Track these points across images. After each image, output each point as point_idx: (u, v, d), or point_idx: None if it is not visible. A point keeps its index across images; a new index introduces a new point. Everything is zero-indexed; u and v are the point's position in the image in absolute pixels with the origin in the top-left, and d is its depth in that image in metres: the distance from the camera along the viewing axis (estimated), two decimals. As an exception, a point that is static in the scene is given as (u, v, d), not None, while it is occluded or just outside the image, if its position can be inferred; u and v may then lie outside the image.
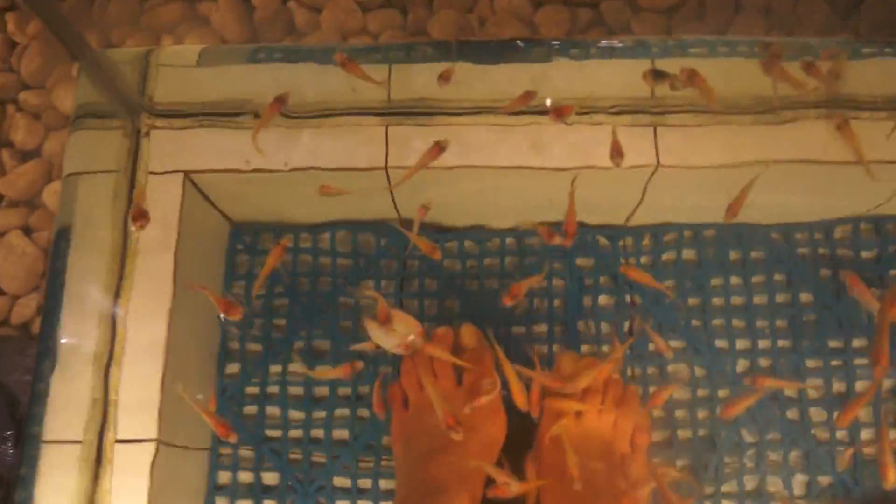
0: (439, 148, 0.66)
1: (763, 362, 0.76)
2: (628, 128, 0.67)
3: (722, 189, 0.67)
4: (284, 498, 0.74)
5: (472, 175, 0.69)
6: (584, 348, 0.77)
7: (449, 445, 0.64)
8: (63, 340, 0.65)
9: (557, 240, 0.69)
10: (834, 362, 0.76)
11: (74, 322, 0.65)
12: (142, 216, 0.65)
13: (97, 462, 0.62)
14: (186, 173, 0.70)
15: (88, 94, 0.72)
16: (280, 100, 0.67)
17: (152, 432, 0.63)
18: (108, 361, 0.64)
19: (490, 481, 0.63)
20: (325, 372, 0.75)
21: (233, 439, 0.68)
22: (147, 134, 0.70)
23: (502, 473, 0.61)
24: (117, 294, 0.66)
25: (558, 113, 0.66)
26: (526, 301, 0.78)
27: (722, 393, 0.75)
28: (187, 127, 0.70)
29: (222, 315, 0.69)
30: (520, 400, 0.67)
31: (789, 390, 0.75)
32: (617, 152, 0.66)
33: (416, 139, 0.68)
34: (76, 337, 0.65)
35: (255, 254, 0.81)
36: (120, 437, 0.63)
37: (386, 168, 0.68)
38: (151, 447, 0.62)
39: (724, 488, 0.73)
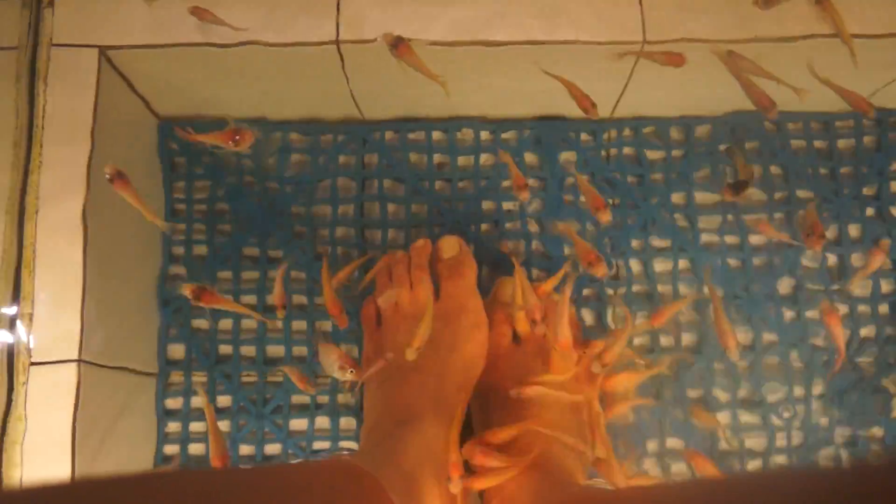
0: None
1: (756, 261, 0.70)
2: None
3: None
4: (237, 419, 0.67)
5: (447, 54, 0.59)
6: (566, 249, 0.70)
7: (425, 366, 0.57)
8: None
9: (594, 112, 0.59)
10: (830, 262, 0.71)
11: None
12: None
13: (9, 388, 0.53)
14: (102, 49, 0.59)
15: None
16: (237, 136, 0.54)
17: (73, 352, 0.54)
18: (16, 269, 0.55)
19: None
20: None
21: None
22: (51, 3, 0.58)
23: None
24: (23, 192, 0.56)
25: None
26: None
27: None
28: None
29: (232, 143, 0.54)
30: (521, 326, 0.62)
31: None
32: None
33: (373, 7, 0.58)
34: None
35: (191, 154, 0.71)
36: (35, 359, 0.54)
37: (337, 42, 0.58)
38: (72, 368, 0.54)
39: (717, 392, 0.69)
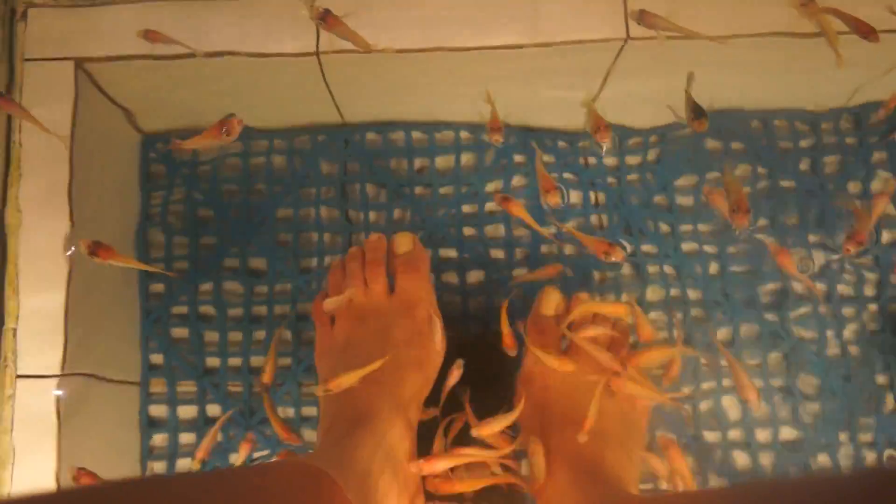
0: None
1: (735, 268, 0.70)
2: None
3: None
4: (227, 430, 0.67)
5: (422, 60, 0.59)
6: (543, 248, 0.70)
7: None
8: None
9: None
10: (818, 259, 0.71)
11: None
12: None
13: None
14: (79, 61, 0.58)
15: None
16: (226, 126, 0.53)
17: (55, 367, 0.54)
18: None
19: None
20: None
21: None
22: (24, 15, 0.58)
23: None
24: (2, 206, 0.56)
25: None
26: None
27: (693, 295, 0.70)
28: (77, 5, 0.58)
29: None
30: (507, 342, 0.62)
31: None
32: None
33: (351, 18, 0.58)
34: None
35: (172, 165, 0.71)
36: (21, 372, 0.54)
37: (317, 54, 0.58)
38: (53, 383, 0.54)
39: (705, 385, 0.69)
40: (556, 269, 0.66)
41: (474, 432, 0.56)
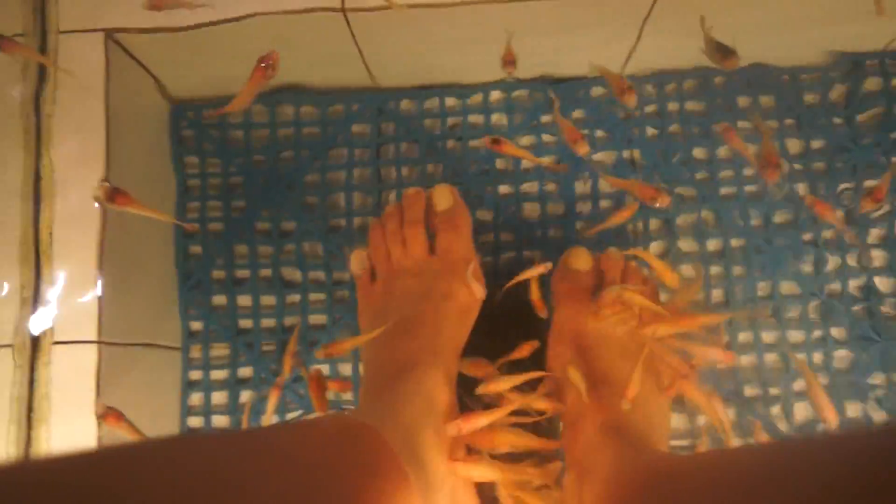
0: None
1: (779, 218, 0.69)
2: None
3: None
4: (260, 388, 0.68)
5: (450, 17, 0.58)
6: (580, 206, 0.69)
7: (419, 316, 0.56)
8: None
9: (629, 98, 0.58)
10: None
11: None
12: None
13: (31, 368, 0.55)
14: (109, 32, 0.59)
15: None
16: (267, 62, 0.52)
17: (92, 333, 0.55)
18: (35, 253, 0.56)
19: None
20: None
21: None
22: (53, -13, 0.58)
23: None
24: (37, 177, 0.57)
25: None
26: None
27: (735, 242, 0.68)
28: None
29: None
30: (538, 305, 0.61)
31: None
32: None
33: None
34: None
35: (202, 131, 0.71)
36: (58, 338, 0.55)
37: (343, 10, 0.57)
38: (93, 348, 0.55)
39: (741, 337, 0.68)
40: (546, 267, 0.61)
41: (481, 389, 0.56)
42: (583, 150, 0.59)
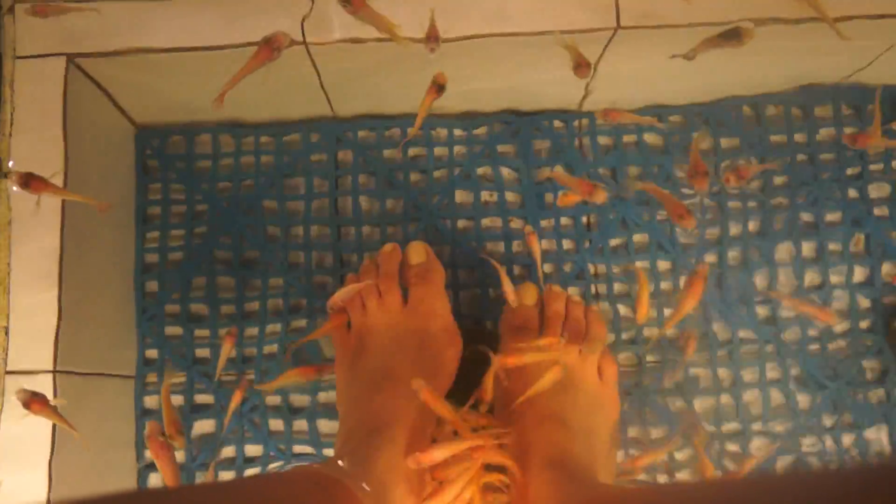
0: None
1: (732, 255, 0.70)
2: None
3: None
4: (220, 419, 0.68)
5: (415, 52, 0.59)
6: (545, 243, 0.70)
7: (398, 370, 0.57)
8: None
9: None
10: (805, 250, 0.71)
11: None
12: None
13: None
14: (70, 57, 0.58)
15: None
16: (270, 43, 0.53)
17: (47, 363, 0.54)
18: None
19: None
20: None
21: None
22: (11, 9, 0.58)
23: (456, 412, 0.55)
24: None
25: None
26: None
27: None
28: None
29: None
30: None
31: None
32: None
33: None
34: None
35: (165, 159, 0.71)
36: (10, 368, 0.54)
37: (304, 43, 0.58)
38: (48, 378, 0.54)
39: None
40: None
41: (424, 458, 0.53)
42: (601, 198, 0.59)
